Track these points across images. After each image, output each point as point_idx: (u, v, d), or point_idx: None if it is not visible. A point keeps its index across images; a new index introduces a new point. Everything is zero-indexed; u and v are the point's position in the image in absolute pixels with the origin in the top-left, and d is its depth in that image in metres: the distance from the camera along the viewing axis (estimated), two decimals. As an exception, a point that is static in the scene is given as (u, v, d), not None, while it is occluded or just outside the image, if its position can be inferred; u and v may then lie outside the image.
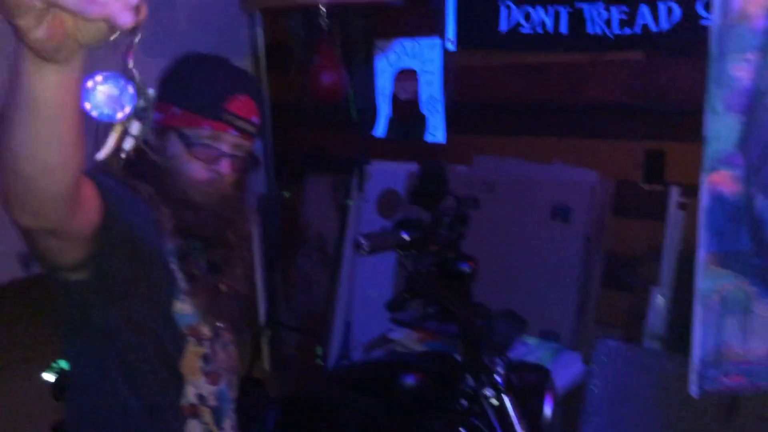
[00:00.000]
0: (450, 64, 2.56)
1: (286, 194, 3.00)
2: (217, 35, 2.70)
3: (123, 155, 0.77)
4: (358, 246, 1.26)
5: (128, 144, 0.72)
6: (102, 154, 0.71)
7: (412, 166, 2.59)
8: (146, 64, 2.56)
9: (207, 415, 1.28)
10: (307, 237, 2.98)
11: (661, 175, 2.19)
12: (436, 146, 2.65)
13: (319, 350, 2.73)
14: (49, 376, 1.59)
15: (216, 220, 1.25)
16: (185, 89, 1.23)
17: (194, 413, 1.26)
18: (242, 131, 1.24)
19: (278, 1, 2.41)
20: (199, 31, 2.65)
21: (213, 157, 1.23)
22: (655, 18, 2.07)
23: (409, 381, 1.52)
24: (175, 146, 1.22)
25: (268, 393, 1.84)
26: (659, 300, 2.15)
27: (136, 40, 0.66)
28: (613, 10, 2.13)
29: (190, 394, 1.25)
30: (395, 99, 2.75)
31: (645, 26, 2.09)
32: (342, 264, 2.77)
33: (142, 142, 0.77)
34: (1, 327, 2.20)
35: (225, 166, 1.24)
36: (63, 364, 1.56)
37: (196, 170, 1.22)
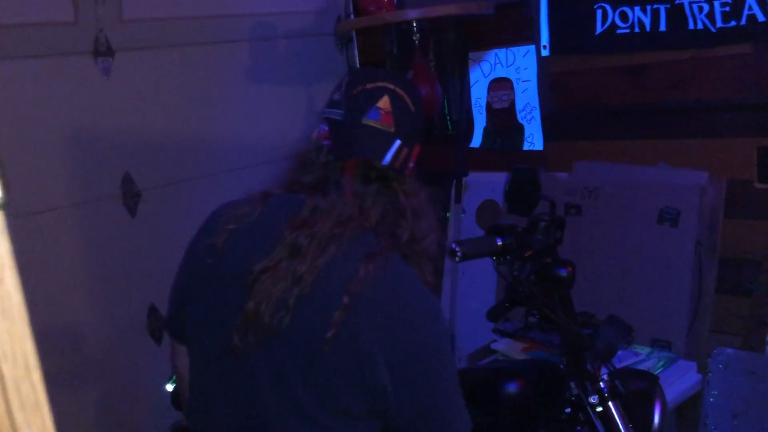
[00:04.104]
0: (545, 70, 2.53)
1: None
2: (315, 58, 2.80)
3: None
4: (451, 253, 1.27)
5: None
6: None
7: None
8: (251, 90, 2.67)
9: None
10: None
11: (778, 172, 2.06)
12: (534, 154, 2.62)
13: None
14: (169, 387, 1.70)
15: None
16: (420, 128, 1.30)
17: None
18: None
19: (371, 21, 2.48)
20: (297, 56, 2.76)
21: None
22: (763, 7, 1.97)
23: (511, 389, 1.51)
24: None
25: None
26: (781, 305, 2.02)
27: None
28: (716, 2, 2.05)
29: None
30: (490, 109, 2.75)
31: (751, 17, 1.99)
32: (443, 276, 2.78)
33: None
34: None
35: None
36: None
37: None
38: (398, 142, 1.22)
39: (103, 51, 2.17)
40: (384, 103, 1.23)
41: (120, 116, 2.24)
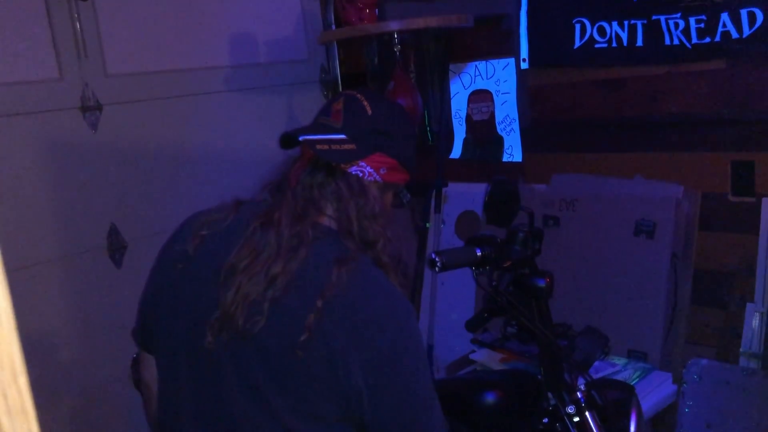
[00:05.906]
0: (524, 83, 2.56)
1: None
2: (303, 107, 2.81)
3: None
4: (431, 263, 1.28)
5: None
6: None
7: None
8: (237, 140, 2.66)
9: None
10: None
11: (751, 186, 2.10)
12: (513, 166, 2.65)
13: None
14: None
15: None
16: (405, 146, 1.30)
17: None
18: None
19: (352, 32, 2.49)
20: (283, 106, 2.75)
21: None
22: (737, 25, 2.01)
23: (489, 399, 1.52)
24: (386, 199, 1.29)
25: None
26: (755, 317, 2.05)
27: None
28: (691, 19, 2.09)
29: None
30: (470, 120, 2.77)
31: (725, 34, 2.03)
32: (422, 286, 2.78)
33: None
34: None
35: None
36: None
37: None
38: (341, 136, 1.23)
39: (91, 106, 2.19)
40: (338, 104, 1.28)
41: (106, 168, 2.26)
